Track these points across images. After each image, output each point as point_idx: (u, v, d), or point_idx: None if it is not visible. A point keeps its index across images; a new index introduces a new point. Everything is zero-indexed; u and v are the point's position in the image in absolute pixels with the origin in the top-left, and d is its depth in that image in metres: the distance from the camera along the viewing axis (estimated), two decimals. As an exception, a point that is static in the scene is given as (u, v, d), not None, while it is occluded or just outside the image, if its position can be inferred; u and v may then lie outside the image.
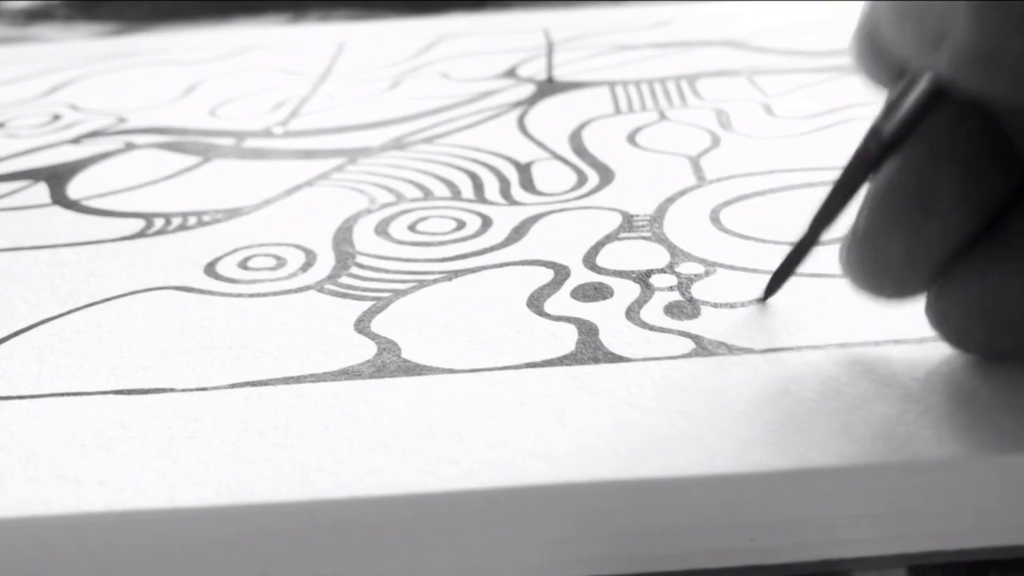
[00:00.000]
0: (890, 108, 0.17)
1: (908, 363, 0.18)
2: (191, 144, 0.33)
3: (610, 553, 0.15)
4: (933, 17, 0.14)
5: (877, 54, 0.17)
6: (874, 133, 0.17)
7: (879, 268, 0.17)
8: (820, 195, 0.19)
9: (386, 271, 0.23)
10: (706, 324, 0.20)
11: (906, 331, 0.19)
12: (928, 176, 0.17)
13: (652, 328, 0.20)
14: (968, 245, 0.17)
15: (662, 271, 0.22)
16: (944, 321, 0.17)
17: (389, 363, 0.19)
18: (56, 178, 0.30)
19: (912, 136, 0.17)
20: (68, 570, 0.15)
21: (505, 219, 0.25)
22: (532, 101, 0.35)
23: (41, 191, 0.29)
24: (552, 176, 0.28)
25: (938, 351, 0.18)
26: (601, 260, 0.23)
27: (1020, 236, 0.16)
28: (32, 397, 0.18)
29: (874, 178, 0.17)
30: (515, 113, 0.34)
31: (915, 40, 0.15)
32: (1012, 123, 0.17)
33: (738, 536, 0.15)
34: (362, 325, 0.20)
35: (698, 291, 0.21)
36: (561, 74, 0.38)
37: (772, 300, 0.20)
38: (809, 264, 0.20)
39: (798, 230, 0.19)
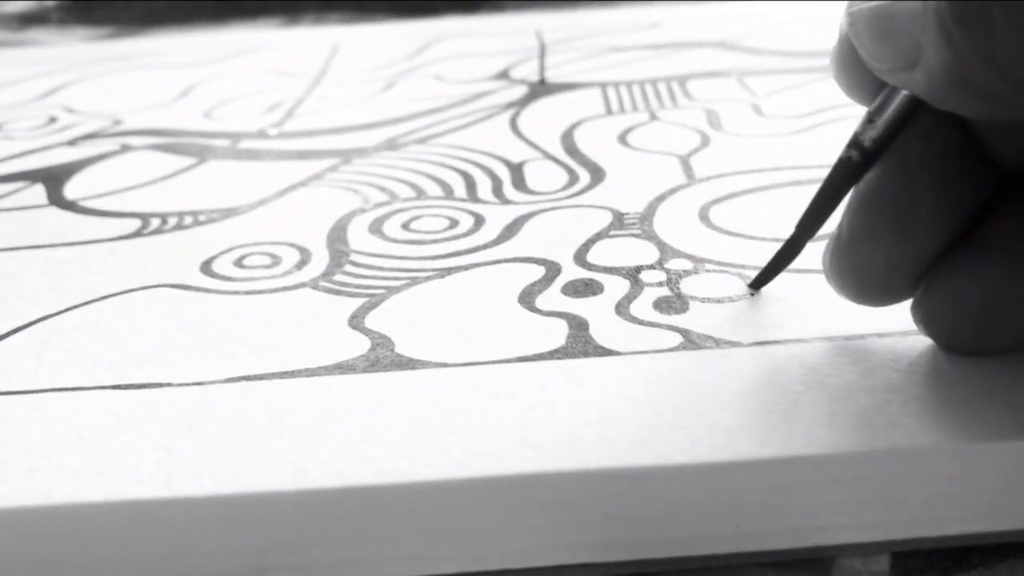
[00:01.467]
0: (870, 118, 0.17)
1: (891, 355, 0.18)
2: (186, 145, 0.33)
3: (599, 540, 0.16)
4: (907, 38, 0.15)
5: (856, 70, 0.17)
6: (855, 142, 0.18)
7: (861, 276, 0.18)
8: (806, 199, 0.19)
9: (380, 269, 0.23)
10: (694, 318, 0.20)
11: (889, 324, 0.19)
12: (906, 185, 0.17)
13: (641, 323, 0.20)
14: (949, 248, 0.17)
15: (651, 267, 0.22)
16: (930, 321, 0.18)
17: (383, 358, 0.19)
18: (53, 179, 0.31)
19: (891, 146, 0.17)
20: (67, 559, 0.15)
21: (497, 218, 0.26)
22: (524, 102, 0.36)
23: (38, 192, 0.30)
24: (544, 175, 0.28)
25: (920, 343, 0.18)
26: (592, 257, 0.23)
27: (1000, 236, 0.17)
28: (30, 392, 0.19)
29: (857, 186, 0.18)
30: (508, 114, 0.34)
31: (891, 60, 0.16)
32: (986, 133, 0.17)
33: (724, 523, 0.16)
34: (356, 321, 0.21)
35: (687, 287, 0.21)
36: (553, 75, 0.39)
37: (759, 293, 0.21)
38: (794, 260, 0.20)
39: (786, 233, 0.20)
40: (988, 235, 0.17)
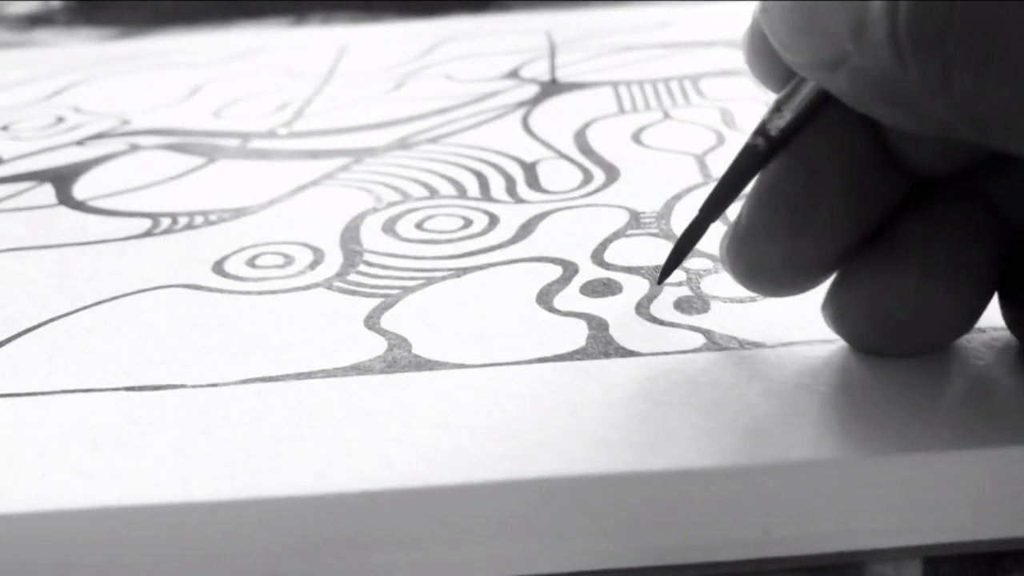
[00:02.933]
0: (779, 106, 0.17)
1: (922, 356, 0.17)
2: (196, 145, 0.33)
3: (624, 545, 0.15)
4: (830, 40, 0.14)
5: (768, 57, 0.17)
6: (762, 129, 0.17)
7: (756, 267, 0.17)
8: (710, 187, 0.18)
9: (394, 268, 0.23)
10: (716, 319, 0.20)
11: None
12: (807, 182, 0.17)
13: (662, 323, 0.20)
14: (851, 250, 0.17)
15: (671, 267, 0.22)
16: (838, 320, 0.17)
17: (400, 358, 0.19)
18: (61, 179, 0.30)
19: (798, 138, 0.17)
20: (82, 564, 0.15)
21: (512, 217, 0.25)
22: (536, 101, 0.35)
23: (47, 192, 0.29)
24: (558, 175, 0.28)
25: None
26: (609, 256, 0.23)
27: (910, 239, 0.17)
28: (43, 394, 0.18)
29: (759, 176, 0.17)
30: (519, 113, 0.34)
31: (809, 57, 0.15)
32: (897, 134, 0.17)
33: (753, 527, 0.15)
34: (372, 322, 0.20)
35: (707, 286, 0.21)
36: (564, 75, 0.38)
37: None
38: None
39: (689, 219, 0.19)
40: (898, 237, 0.17)
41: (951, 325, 0.17)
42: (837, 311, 0.17)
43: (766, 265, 0.17)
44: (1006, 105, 0.13)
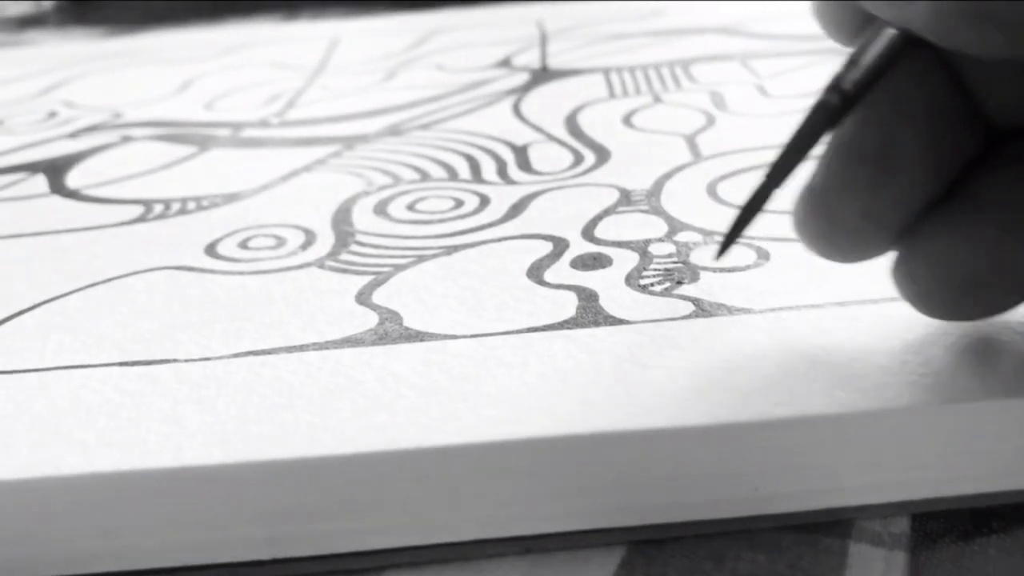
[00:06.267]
0: (853, 59, 0.16)
1: (906, 319, 0.18)
2: (188, 135, 0.33)
3: (614, 505, 0.15)
4: None
5: (838, 7, 0.16)
6: (835, 85, 0.16)
7: (834, 227, 0.17)
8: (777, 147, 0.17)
9: (386, 248, 0.23)
10: (705, 288, 0.20)
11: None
12: (890, 133, 0.16)
13: (652, 293, 0.20)
14: (929, 206, 0.16)
15: (660, 240, 0.22)
16: (911, 281, 0.17)
17: (391, 331, 0.19)
18: (54, 170, 0.30)
19: (875, 90, 0.16)
20: (78, 528, 0.15)
21: (503, 197, 0.25)
22: (527, 88, 0.35)
23: (40, 182, 0.29)
24: (549, 157, 0.28)
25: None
26: (600, 232, 0.23)
27: (990, 195, 0.16)
28: (37, 371, 0.18)
29: (834, 132, 0.16)
30: (510, 100, 0.34)
31: None
32: (980, 79, 0.16)
33: (741, 485, 0.15)
34: (363, 297, 0.21)
35: (697, 257, 0.21)
36: (555, 63, 0.39)
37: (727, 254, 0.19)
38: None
39: (752, 185, 0.18)
40: (977, 193, 0.16)
41: None
42: (909, 272, 0.16)
43: (844, 223, 0.16)
44: None
